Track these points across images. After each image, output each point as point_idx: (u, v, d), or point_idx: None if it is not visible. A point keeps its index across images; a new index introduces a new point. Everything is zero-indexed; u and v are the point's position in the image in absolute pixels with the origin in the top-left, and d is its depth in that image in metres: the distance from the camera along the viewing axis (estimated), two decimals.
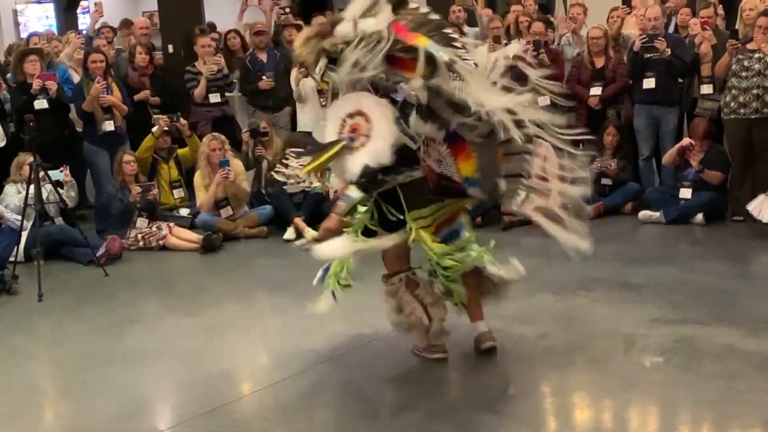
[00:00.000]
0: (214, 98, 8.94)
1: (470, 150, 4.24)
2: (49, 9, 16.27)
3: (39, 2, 16.65)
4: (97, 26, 10.55)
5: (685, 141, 7.67)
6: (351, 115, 4.19)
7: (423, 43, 3.95)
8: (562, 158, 4.23)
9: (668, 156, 7.79)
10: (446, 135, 4.23)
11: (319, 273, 4.87)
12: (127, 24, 11.08)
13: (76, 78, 8.87)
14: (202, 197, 7.93)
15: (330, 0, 16.07)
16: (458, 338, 4.89)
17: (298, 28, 9.64)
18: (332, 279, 4.74)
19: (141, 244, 7.71)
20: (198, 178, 8.03)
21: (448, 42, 4.08)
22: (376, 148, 4.08)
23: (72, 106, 8.51)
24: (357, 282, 6.43)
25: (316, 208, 7.83)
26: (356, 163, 4.10)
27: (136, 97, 8.88)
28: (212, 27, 11.04)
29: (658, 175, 8.43)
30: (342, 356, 4.84)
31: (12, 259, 6.79)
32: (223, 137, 8.11)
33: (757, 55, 7.25)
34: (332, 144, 4.19)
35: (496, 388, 4.39)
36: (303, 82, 8.53)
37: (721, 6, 9.41)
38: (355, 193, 4.14)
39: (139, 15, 13.75)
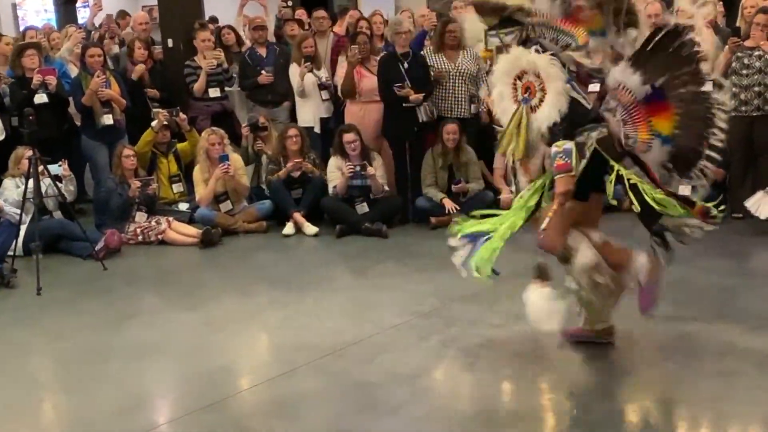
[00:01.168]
0: (214, 93, 8.92)
1: (673, 108, 4.26)
2: (48, 3, 16.24)
3: None
4: (97, 20, 10.54)
5: None
6: (519, 77, 4.22)
7: None
8: None
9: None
10: (647, 93, 4.21)
11: (462, 253, 4.51)
12: (123, 15, 11.08)
13: (74, 72, 8.85)
14: (202, 192, 7.91)
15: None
16: (456, 334, 4.90)
17: (300, 22, 9.66)
18: (486, 264, 4.43)
19: (140, 238, 7.69)
20: (197, 173, 8.02)
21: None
22: (554, 100, 4.12)
23: (71, 100, 8.50)
24: (357, 277, 6.47)
25: (315, 203, 7.84)
26: (542, 119, 4.15)
27: (134, 74, 8.84)
28: (214, 20, 11.04)
29: None
30: (342, 351, 4.83)
31: (11, 253, 6.77)
32: (222, 132, 8.10)
33: (757, 53, 7.25)
34: (515, 114, 4.23)
35: (495, 384, 4.39)
36: (307, 76, 8.53)
37: (720, 3, 9.39)
38: (567, 144, 4.13)
39: (139, 9, 13.70)
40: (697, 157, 4.38)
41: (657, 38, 4.14)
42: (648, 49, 4.17)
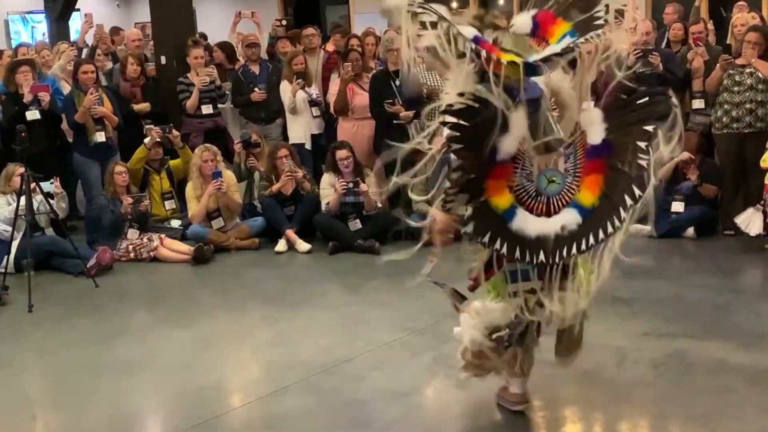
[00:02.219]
0: (207, 109, 8.94)
1: (605, 171, 3.52)
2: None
3: (30, 12, 16.62)
4: (89, 38, 10.55)
5: (684, 155, 7.68)
6: None
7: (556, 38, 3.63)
8: None
9: (664, 170, 7.79)
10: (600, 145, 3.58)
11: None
12: (116, 32, 11.10)
13: (67, 89, 8.85)
14: (194, 208, 7.91)
15: (322, 14, 16.14)
16: (449, 351, 4.89)
17: (291, 40, 9.69)
18: None
19: (132, 255, 7.68)
20: (190, 189, 8.01)
21: (589, 25, 3.64)
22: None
23: (63, 117, 8.50)
24: (349, 294, 6.46)
25: (307, 219, 7.84)
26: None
27: (137, 107, 8.86)
28: (203, 37, 11.06)
29: None
30: (333, 368, 4.82)
31: (2, 270, 6.75)
32: (215, 148, 8.10)
33: (748, 70, 7.29)
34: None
35: (488, 401, 4.38)
36: (298, 93, 8.56)
37: (711, 21, 9.46)
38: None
39: (132, 26, 13.73)
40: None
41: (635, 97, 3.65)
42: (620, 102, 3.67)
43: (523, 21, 3.77)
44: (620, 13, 3.86)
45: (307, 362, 4.90)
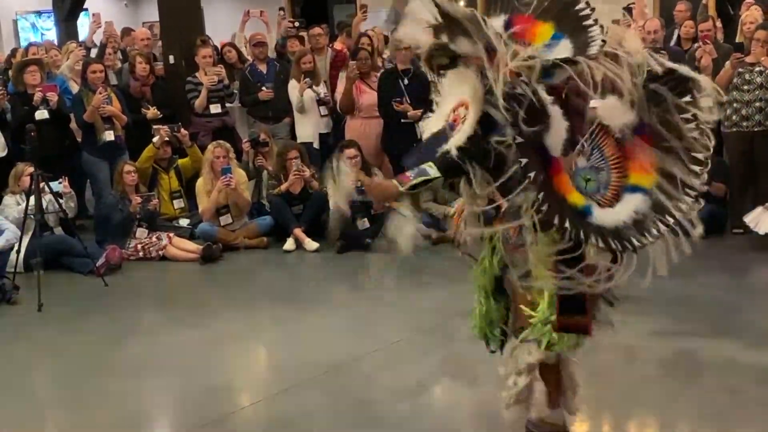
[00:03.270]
0: (215, 109, 8.95)
1: (652, 148, 3.40)
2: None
3: (39, 12, 16.66)
4: (96, 38, 10.56)
5: None
6: (455, 108, 3.50)
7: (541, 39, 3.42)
8: None
9: None
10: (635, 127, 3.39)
11: None
12: (127, 32, 11.11)
13: (75, 89, 8.87)
14: (204, 203, 7.93)
15: (329, 12, 16.13)
16: (457, 350, 4.89)
17: (301, 39, 9.70)
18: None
19: (141, 254, 7.69)
20: (200, 184, 8.03)
21: (576, 25, 3.47)
22: (460, 135, 3.37)
23: (72, 116, 8.52)
24: (357, 293, 6.46)
25: (315, 219, 7.84)
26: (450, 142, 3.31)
27: (148, 115, 8.85)
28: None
29: None
30: (342, 367, 4.82)
31: (11, 269, 6.77)
32: (228, 145, 8.12)
33: (758, 69, 7.27)
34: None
35: (496, 401, 4.37)
36: (306, 92, 8.57)
37: (719, 20, 9.43)
38: (431, 169, 3.33)
39: (140, 25, 13.75)
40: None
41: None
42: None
43: (494, 26, 3.46)
44: (628, 11, 3.74)
45: (315, 361, 4.91)
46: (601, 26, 3.41)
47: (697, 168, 3.43)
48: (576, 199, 3.30)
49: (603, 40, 3.36)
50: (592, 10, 3.48)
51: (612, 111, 3.42)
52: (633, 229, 3.30)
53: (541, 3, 3.55)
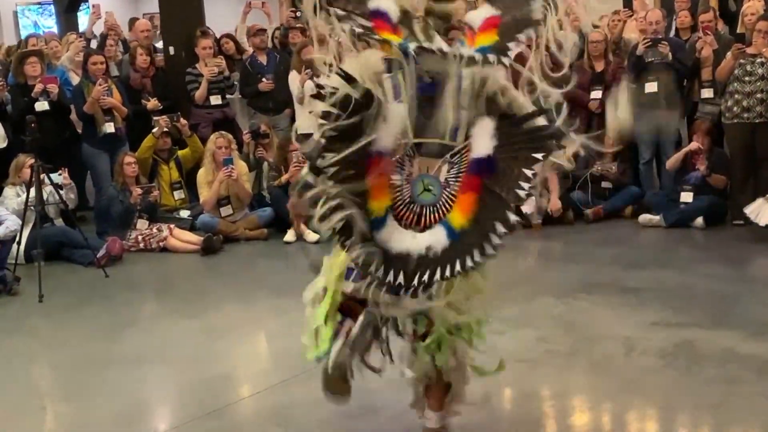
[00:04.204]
0: (215, 100, 8.95)
1: (480, 192, 3.14)
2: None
3: (40, 4, 16.65)
4: (97, 29, 10.55)
5: (693, 145, 7.66)
6: None
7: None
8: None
9: (673, 160, 7.79)
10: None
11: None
12: (134, 22, 11.10)
13: (75, 80, 8.87)
14: (206, 194, 7.93)
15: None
16: None
17: (303, 30, 9.67)
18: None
19: (141, 245, 7.71)
20: (202, 175, 8.04)
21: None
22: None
23: (73, 107, 8.52)
24: None
25: None
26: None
27: (149, 106, 8.84)
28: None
29: (659, 178, 8.43)
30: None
31: (12, 260, 6.78)
32: (230, 136, 8.14)
33: (759, 60, 7.26)
34: None
35: (497, 391, 4.38)
36: (306, 83, 8.55)
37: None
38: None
39: (140, 17, 13.74)
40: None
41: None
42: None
43: (477, 15, 3.40)
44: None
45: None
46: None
47: (501, 229, 3.09)
48: (375, 206, 3.13)
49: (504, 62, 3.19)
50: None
51: (483, 133, 3.18)
52: (412, 264, 3.08)
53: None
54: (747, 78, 7.31)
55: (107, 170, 8.37)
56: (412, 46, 3.11)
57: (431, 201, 3.21)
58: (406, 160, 3.25)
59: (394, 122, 3.14)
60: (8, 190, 7.48)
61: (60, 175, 7.55)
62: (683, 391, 4.21)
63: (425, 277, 3.05)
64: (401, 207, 3.22)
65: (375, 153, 3.11)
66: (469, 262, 3.04)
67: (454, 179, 3.20)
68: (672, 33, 8.85)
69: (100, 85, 8.16)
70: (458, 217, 3.13)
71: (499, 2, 3.38)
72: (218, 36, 10.24)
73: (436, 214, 3.19)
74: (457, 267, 3.03)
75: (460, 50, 3.14)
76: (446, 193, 3.20)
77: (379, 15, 3.24)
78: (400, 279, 3.07)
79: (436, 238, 3.11)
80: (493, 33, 3.28)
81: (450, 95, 3.16)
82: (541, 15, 3.25)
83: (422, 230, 3.17)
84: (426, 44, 3.13)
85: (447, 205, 3.19)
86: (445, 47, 3.14)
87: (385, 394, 4.34)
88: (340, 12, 3.17)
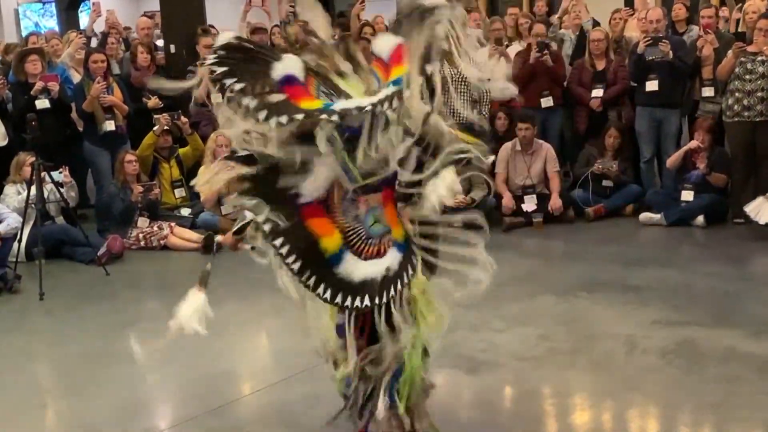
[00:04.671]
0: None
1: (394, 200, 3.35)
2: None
3: (41, 2, 16.66)
4: (97, 27, 10.54)
5: (693, 143, 7.67)
6: None
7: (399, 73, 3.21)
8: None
9: (673, 159, 7.79)
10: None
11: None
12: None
13: (76, 78, 8.87)
14: (206, 192, 7.91)
15: (331, 2, 16.09)
16: (458, 339, 4.90)
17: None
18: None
19: (142, 243, 7.70)
20: (203, 173, 8.02)
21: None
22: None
23: (73, 105, 8.51)
24: None
25: None
26: None
27: (149, 104, 8.83)
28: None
29: (659, 177, 8.43)
30: None
31: (13, 258, 6.78)
32: (230, 134, 8.10)
33: (760, 58, 7.25)
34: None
35: (497, 389, 4.39)
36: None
37: (724, 8, 9.40)
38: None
39: (141, 15, 13.74)
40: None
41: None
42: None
43: (383, 45, 3.41)
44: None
45: (315, 350, 4.90)
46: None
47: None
48: (329, 244, 3.31)
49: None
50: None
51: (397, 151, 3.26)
52: (376, 286, 3.22)
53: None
54: (748, 76, 7.30)
55: (108, 168, 8.36)
56: (334, 106, 3.13)
57: (380, 231, 3.34)
58: (349, 204, 3.38)
59: (320, 174, 3.30)
60: (9, 188, 7.47)
61: (60, 173, 7.55)
62: (684, 389, 4.21)
63: (390, 292, 3.18)
64: (360, 243, 3.34)
65: (304, 202, 3.32)
66: (410, 270, 3.21)
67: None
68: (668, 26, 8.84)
69: (98, 83, 8.15)
70: (395, 231, 3.31)
71: (400, 28, 3.40)
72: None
73: (390, 240, 3.31)
74: (410, 273, 3.20)
75: (375, 98, 3.10)
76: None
77: (288, 82, 3.26)
78: (367, 302, 3.20)
79: (391, 257, 3.26)
80: (403, 64, 3.26)
81: (374, 136, 3.19)
82: (444, 35, 3.27)
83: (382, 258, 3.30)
84: (342, 107, 3.11)
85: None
86: (362, 102, 3.12)
87: None
88: (252, 103, 3.18)
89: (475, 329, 5.12)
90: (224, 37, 3.38)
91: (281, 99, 3.18)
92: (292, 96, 3.21)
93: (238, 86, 3.21)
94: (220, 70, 3.26)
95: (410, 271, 3.21)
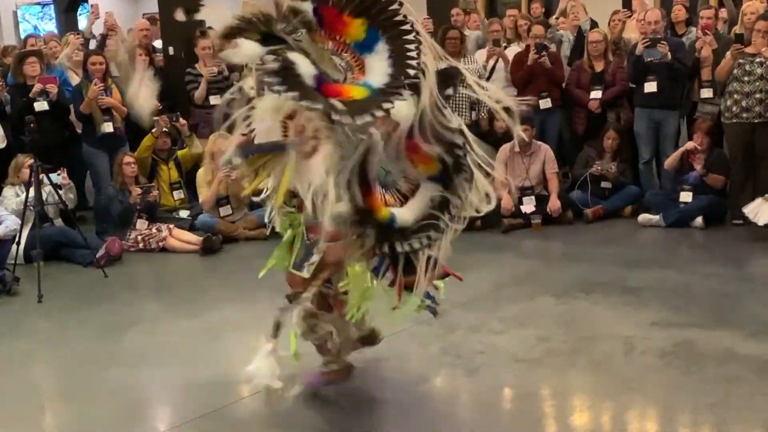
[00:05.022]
0: (215, 100, 8.91)
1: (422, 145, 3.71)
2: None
3: (40, 4, 16.66)
4: (96, 29, 10.54)
5: (690, 144, 7.68)
6: (290, 117, 3.53)
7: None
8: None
9: (671, 160, 7.79)
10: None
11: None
12: (154, 21, 11.07)
13: (74, 79, 8.86)
14: (205, 194, 7.93)
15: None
16: (457, 341, 4.90)
17: None
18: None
19: (141, 245, 7.70)
20: (201, 175, 8.04)
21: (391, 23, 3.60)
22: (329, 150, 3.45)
23: (72, 107, 8.51)
24: None
25: None
26: (314, 174, 3.43)
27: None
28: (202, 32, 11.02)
29: (658, 178, 8.43)
30: None
31: (11, 260, 6.77)
32: (229, 135, 8.10)
33: (758, 60, 7.25)
34: (281, 149, 3.58)
35: (496, 391, 4.39)
36: None
37: (722, 9, 9.39)
38: (341, 206, 3.50)
39: (140, 17, 13.74)
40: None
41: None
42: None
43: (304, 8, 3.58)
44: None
45: (315, 352, 4.90)
46: (412, 25, 3.57)
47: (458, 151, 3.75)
48: (383, 214, 3.64)
49: (419, 43, 3.54)
50: (401, 5, 3.58)
51: (402, 112, 3.57)
52: (429, 220, 3.71)
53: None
54: (746, 78, 7.30)
55: (107, 170, 8.35)
56: (377, 86, 3.48)
57: (392, 178, 3.78)
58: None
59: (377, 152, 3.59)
60: (7, 190, 7.47)
61: (59, 175, 7.54)
62: (683, 390, 4.22)
63: (451, 213, 3.77)
64: (389, 198, 3.79)
65: (371, 181, 3.61)
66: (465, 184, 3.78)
67: (393, 152, 3.71)
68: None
69: (95, 84, 8.15)
70: (430, 167, 3.74)
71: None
72: None
73: (411, 183, 3.80)
74: (465, 189, 3.80)
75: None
76: (396, 165, 3.76)
77: (321, 81, 3.44)
78: (437, 230, 3.74)
79: (429, 189, 3.75)
80: (349, 20, 3.61)
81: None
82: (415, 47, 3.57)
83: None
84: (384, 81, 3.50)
85: (409, 171, 3.79)
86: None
87: (385, 395, 4.36)
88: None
89: (474, 330, 5.13)
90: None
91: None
92: (334, 94, 3.39)
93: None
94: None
95: (464, 185, 3.76)
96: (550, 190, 7.96)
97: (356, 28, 3.60)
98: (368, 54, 3.61)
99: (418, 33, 3.58)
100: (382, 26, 3.57)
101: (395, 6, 3.58)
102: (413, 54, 3.53)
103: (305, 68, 3.40)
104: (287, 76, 3.32)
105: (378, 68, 3.55)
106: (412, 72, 3.51)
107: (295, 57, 3.41)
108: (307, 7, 3.55)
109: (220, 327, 5.56)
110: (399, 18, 3.57)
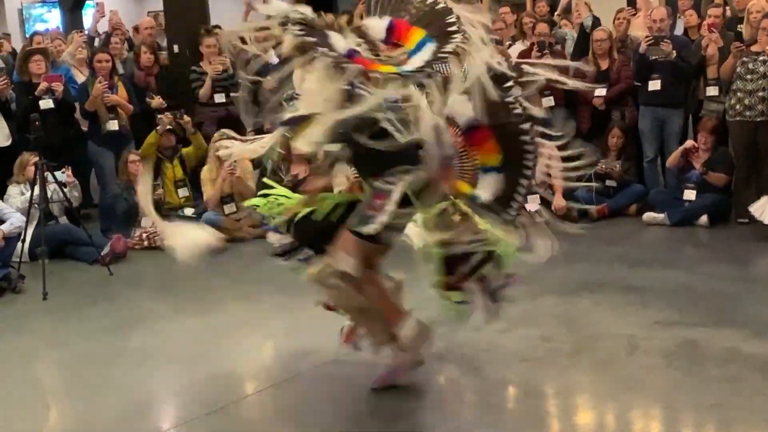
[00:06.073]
0: (219, 98, 8.95)
1: (494, 136, 4.10)
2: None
3: (44, 2, 16.68)
4: (101, 27, 10.56)
5: (689, 143, 7.68)
6: None
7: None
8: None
9: (672, 158, 7.79)
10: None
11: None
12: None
13: (79, 77, 8.88)
14: (209, 192, 7.94)
15: (334, 1, 16.08)
16: (461, 340, 4.90)
17: None
18: None
19: (146, 243, 7.72)
20: (205, 173, 8.05)
21: (444, 31, 3.85)
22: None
23: (77, 105, 8.53)
24: None
25: None
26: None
27: (153, 104, 8.83)
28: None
29: (663, 176, 8.42)
30: (346, 356, 4.82)
31: (17, 258, 6.79)
32: (233, 134, 8.09)
33: (761, 58, 7.24)
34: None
35: (500, 390, 4.39)
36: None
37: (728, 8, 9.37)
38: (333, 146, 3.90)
39: (144, 15, 13.76)
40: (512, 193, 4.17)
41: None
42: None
43: (378, 26, 3.97)
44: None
45: (320, 350, 4.92)
46: (464, 33, 3.80)
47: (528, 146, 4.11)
48: (465, 188, 4.02)
49: (459, 45, 3.74)
50: (458, 19, 3.87)
51: (458, 106, 3.99)
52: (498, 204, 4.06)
53: (419, 13, 3.98)
54: (749, 76, 7.30)
55: (112, 168, 8.38)
56: (407, 70, 3.64)
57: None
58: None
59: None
60: (12, 188, 7.49)
61: (64, 173, 7.56)
62: (686, 390, 4.22)
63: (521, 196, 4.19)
64: None
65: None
66: (527, 172, 4.16)
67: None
68: (681, 32, 8.82)
69: (99, 83, 8.16)
70: (491, 159, 4.09)
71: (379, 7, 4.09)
72: None
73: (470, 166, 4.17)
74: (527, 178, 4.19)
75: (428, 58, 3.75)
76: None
77: (353, 54, 3.65)
78: (513, 210, 4.20)
79: (492, 180, 4.10)
80: (414, 30, 3.93)
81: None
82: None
83: None
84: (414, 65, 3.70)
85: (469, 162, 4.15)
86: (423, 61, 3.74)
87: (389, 393, 4.36)
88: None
89: (477, 330, 5.12)
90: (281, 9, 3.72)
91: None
92: (364, 65, 3.57)
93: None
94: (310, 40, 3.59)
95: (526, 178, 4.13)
96: (554, 189, 7.94)
97: (418, 35, 3.89)
98: (416, 54, 3.83)
99: (464, 33, 3.81)
100: (436, 35, 3.85)
101: (452, 19, 3.87)
102: (449, 48, 3.73)
103: (338, 41, 3.64)
104: (323, 43, 3.57)
105: (416, 60, 3.75)
106: (441, 64, 3.69)
107: (330, 32, 3.71)
108: (384, 24, 3.97)
109: (225, 325, 5.57)
110: (452, 29, 3.83)
